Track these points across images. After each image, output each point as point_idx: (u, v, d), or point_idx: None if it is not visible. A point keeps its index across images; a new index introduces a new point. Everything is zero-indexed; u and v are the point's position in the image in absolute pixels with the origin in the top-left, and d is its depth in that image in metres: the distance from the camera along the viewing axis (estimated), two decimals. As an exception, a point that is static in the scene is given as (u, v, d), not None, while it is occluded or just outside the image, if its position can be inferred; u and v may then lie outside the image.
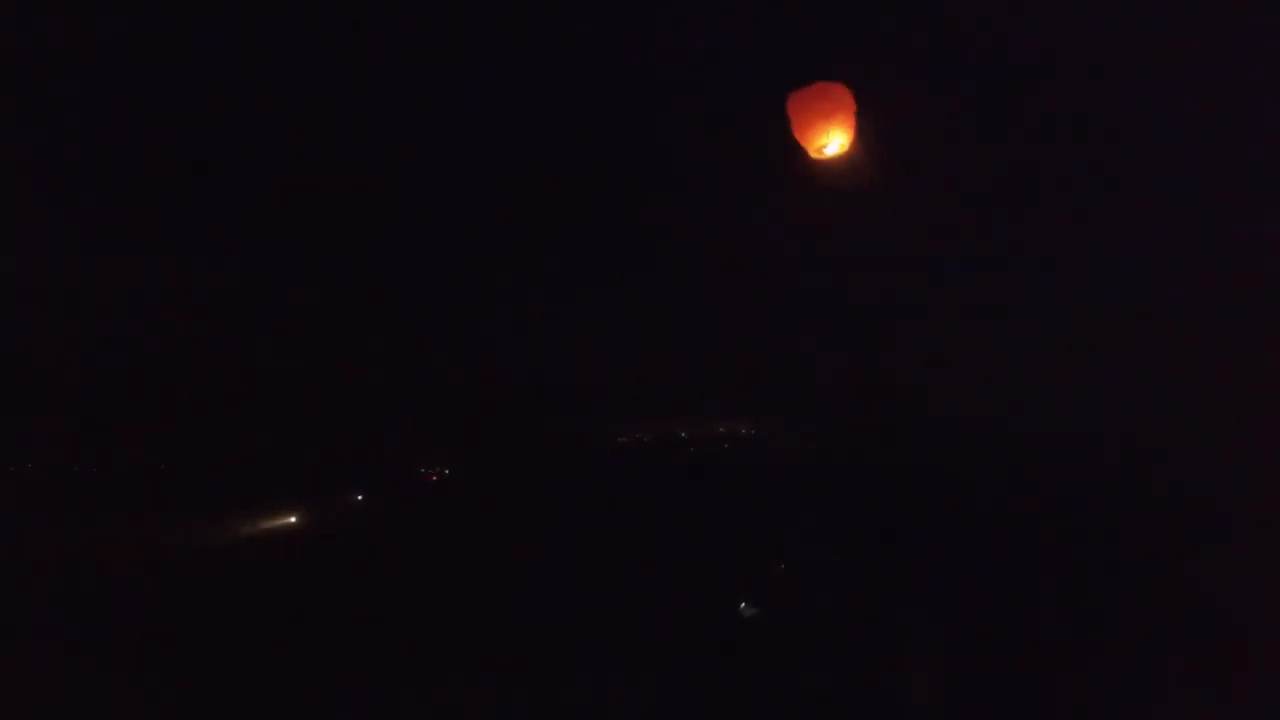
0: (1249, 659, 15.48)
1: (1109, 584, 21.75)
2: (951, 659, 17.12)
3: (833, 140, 9.31)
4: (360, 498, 45.85)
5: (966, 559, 24.98)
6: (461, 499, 44.72)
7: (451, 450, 48.53)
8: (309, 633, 21.45)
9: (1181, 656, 16.03)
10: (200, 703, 18.22)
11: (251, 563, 33.01)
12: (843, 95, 9.21)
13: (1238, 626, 17.16)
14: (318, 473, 47.80)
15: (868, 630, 19.20)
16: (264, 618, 22.83)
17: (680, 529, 32.44)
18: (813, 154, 9.45)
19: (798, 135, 9.36)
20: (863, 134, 9.11)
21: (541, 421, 49.49)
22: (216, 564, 32.08)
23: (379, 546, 34.11)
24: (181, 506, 38.75)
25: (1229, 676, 15.10)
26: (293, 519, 40.56)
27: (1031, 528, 29.33)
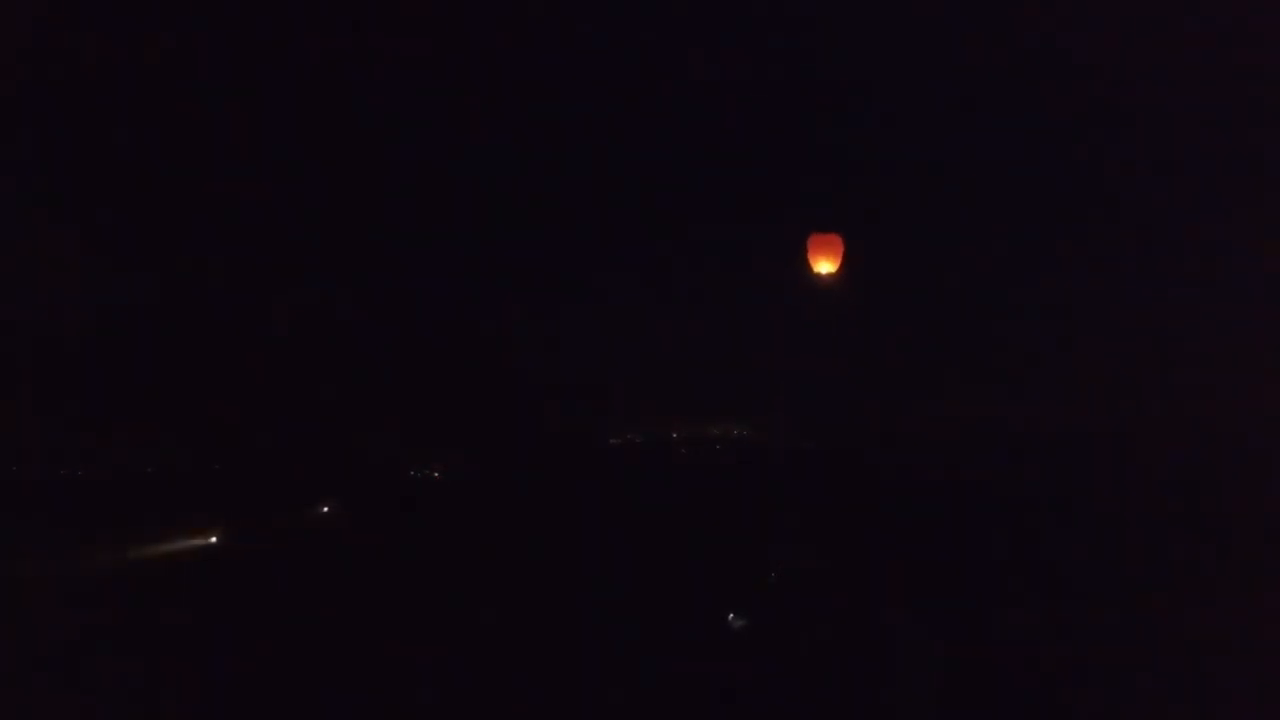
0: (1248, 661, 15.68)
1: (1109, 589, 21.61)
2: (949, 670, 17.01)
3: (826, 266, 16.55)
4: (326, 509, 42.18)
5: (965, 564, 24.76)
6: (450, 501, 42.91)
7: (442, 452, 46.04)
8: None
9: (1178, 659, 16.26)
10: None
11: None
12: (837, 241, 16.53)
13: (1237, 628, 17.34)
14: (286, 481, 45.13)
15: (864, 643, 18.84)
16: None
17: (669, 534, 31.77)
18: (815, 269, 16.65)
19: (810, 258, 16.56)
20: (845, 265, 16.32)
21: (533, 423, 48.74)
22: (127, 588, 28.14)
23: (330, 569, 30.35)
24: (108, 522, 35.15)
25: (1228, 678, 15.20)
26: (213, 538, 35.91)
27: (1030, 531, 29.06)
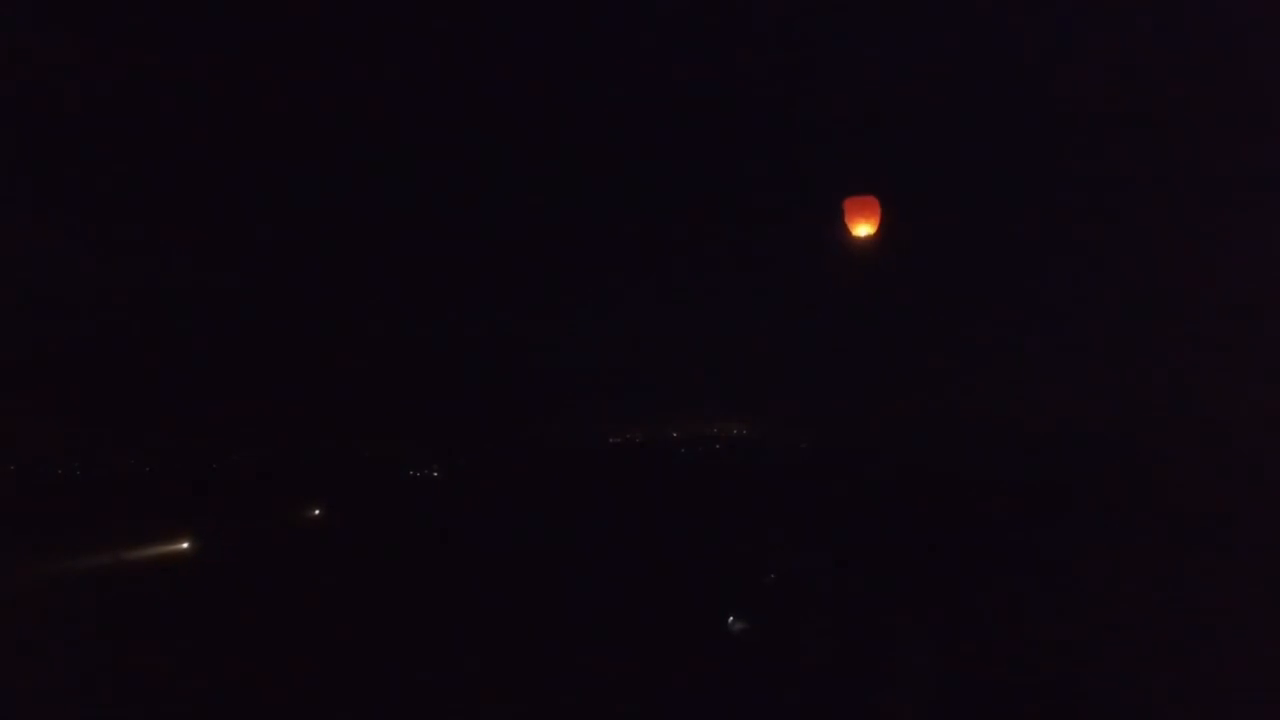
0: (1247, 659, 15.61)
1: (1111, 589, 21.58)
2: (951, 671, 16.88)
3: (864, 228, 16.02)
4: (318, 512, 40.85)
5: (966, 565, 24.83)
6: (449, 500, 41.72)
7: (442, 451, 46.33)
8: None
9: (1181, 657, 16.16)
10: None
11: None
12: (874, 203, 16.01)
13: (1237, 627, 17.22)
14: (279, 483, 45.15)
15: (864, 645, 18.61)
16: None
17: (666, 534, 31.51)
18: (852, 233, 16.11)
19: (847, 221, 16.02)
20: (883, 227, 15.81)
21: (533, 422, 49.25)
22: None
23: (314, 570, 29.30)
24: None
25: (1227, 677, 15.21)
26: (185, 544, 34.13)
27: (1031, 530, 28.97)
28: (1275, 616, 17.56)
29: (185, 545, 34.11)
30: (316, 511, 41.75)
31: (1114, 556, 25.14)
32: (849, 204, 15.86)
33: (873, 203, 15.87)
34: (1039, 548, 27.03)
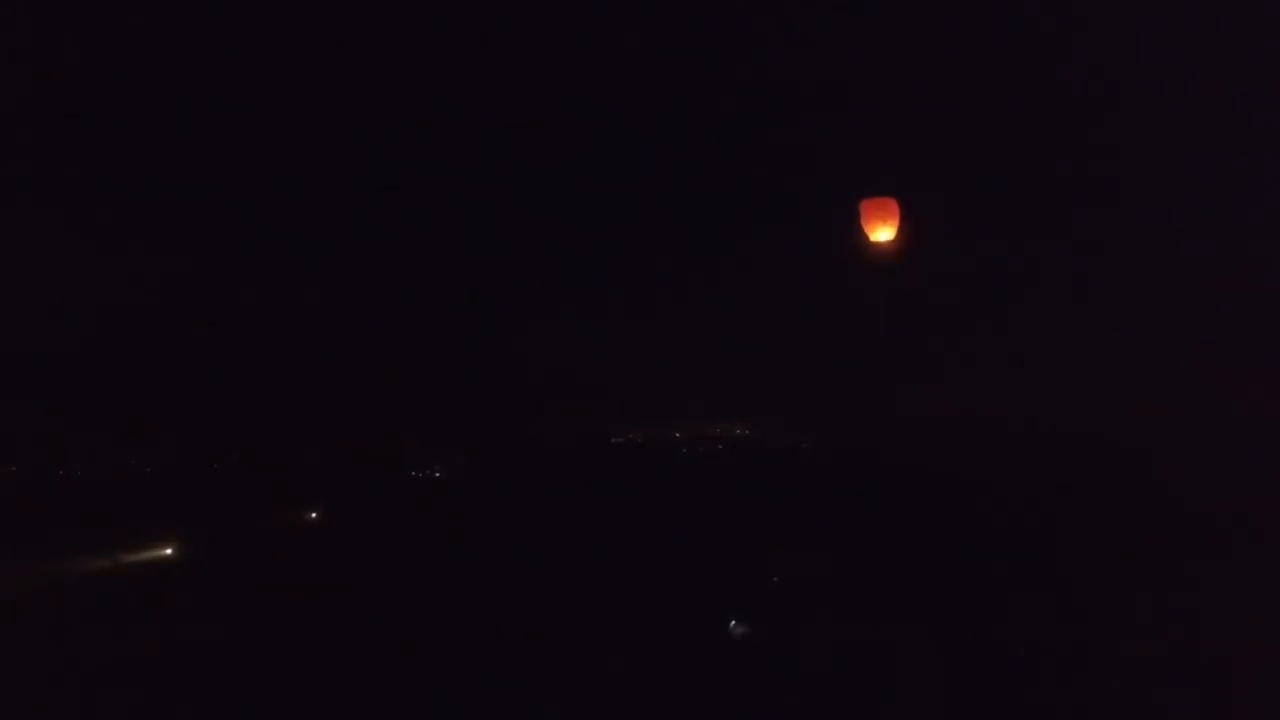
0: (1245, 659, 15.43)
1: (1112, 591, 21.36)
2: (954, 674, 16.67)
3: (883, 232, 15.39)
4: (314, 515, 40.10)
5: (967, 566, 24.57)
6: (450, 500, 41.34)
7: (444, 451, 46.47)
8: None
9: (1182, 657, 15.96)
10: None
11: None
12: (893, 205, 15.37)
13: (1235, 626, 17.12)
14: (276, 485, 44.10)
15: (868, 649, 18.27)
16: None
17: (668, 536, 30.91)
18: (870, 238, 15.47)
19: (863, 225, 15.38)
20: (901, 230, 15.18)
21: (535, 421, 50.23)
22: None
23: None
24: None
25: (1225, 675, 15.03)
26: (182, 546, 34.03)
27: (1036, 533, 28.71)
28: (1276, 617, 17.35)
29: (183, 547, 34.08)
30: (314, 514, 41.03)
31: (1115, 558, 24.95)
32: (866, 206, 15.23)
33: (891, 205, 15.24)
34: (1040, 548, 26.60)
